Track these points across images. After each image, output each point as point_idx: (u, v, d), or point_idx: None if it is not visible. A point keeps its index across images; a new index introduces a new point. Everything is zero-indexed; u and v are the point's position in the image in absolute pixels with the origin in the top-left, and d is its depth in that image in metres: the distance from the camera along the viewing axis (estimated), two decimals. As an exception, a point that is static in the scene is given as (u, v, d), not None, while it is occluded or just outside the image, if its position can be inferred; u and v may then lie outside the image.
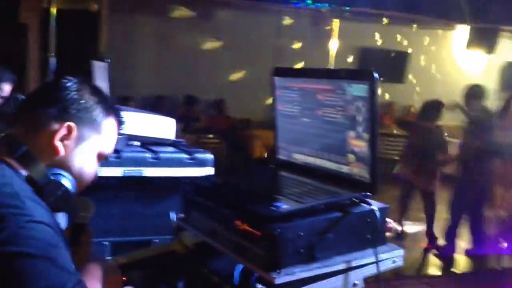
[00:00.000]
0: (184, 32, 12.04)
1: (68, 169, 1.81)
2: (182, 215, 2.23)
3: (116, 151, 2.50)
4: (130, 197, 2.63)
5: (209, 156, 2.70)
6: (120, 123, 1.97)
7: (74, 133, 1.79)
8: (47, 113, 1.79)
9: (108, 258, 2.36)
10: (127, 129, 2.63)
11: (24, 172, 1.73)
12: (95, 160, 1.89)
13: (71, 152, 1.81)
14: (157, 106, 11.23)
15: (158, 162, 2.58)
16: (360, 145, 1.90)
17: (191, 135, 11.00)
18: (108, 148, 1.93)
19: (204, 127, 11.94)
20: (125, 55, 11.30)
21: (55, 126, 1.78)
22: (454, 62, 14.32)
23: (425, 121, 7.92)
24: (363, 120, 1.86)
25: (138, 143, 2.71)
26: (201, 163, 2.67)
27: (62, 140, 1.78)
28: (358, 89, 1.86)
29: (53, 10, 9.34)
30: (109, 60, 3.85)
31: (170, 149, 2.73)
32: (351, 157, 1.95)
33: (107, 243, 2.56)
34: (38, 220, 1.55)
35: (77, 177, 1.84)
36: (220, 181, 2.30)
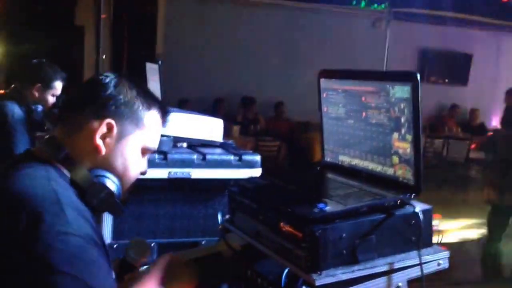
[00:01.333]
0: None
1: (111, 167, 1.78)
2: (228, 217, 2.25)
3: (163, 152, 2.52)
4: (177, 198, 2.65)
5: (257, 158, 2.71)
6: (164, 116, 1.92)
7: (115, 130, 1.76)
8: (86, 112, 1.76)
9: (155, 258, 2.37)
10: (175, 131, 2.68)
11: (68, 175, 1.72)
12: (139, 156, 1.86)
13: (113, 149, 1.78)
14: (215, 108, 11.31)
15: (205, 163, 2.60)
16: (404, 146, 1.89)
17: (250, 138, 11.06)
18: (152, 142, 1.89)
19: (263, 129, 11.96)
20: (182, 56, 11.39)
21: (95, 124, 1.75)
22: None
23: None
24: (406, 121, 1.85)
25: (185, 145, 2.74)
26: (249, 165, 2.68)
27: (103, 138, 1.76)
28: (401, 91, 1.85)
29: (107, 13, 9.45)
30: (160, 62, 3.90)
31: (218, 150, 2.74)
32: (395, 159, 1.93)
33: (154, 244, 2.58)
34: (75, 233, 1.52)
35: (122, 175, 1.81)
36: (265, 182, 2.31)
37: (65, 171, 1.73)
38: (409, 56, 13.32)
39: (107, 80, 1.81)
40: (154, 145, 1.91)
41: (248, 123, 11.66)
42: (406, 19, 12.15)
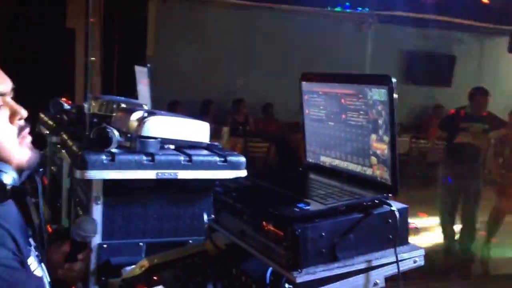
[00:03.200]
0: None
1: None
2: (213, 217, 2.30)
3: (151, 154, 2.58)
4: (165, 199, 2.70)
5: (242, 159, 2.76)
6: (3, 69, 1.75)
7: None
8: None
9: (143, 258, 2.43)
10: (162, 133, 2.73)
11: None
12: (8, 126, 1.71)
13: None
14: (204, 110, 11.35)
15: (192, 164, 2.65)
16: (381, 148, 1.95)
17: (239, 139, 11.11)
18: (2, 87, 1.71)
19: (253, 131, 12.01)
20: (173, 59, 11.44)
21: None
22: (502, 66, 14.16)
23: None
24: (383, 123, 1.91)
25: (173, 147, 2.79)
26: (234, 166, 2.73)
27: None
28: (378, 94, 1.91)
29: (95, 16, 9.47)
30: (149, 65, 3.95)
31: (204, 152, 2.79)
32: (374, 159, 2.00)
33: (142, 244, 2.63)
34: None
35: (4, 156, 1.67)
36: (249, 183, 2.37)
37: None
38: (393, 58, 13.42)
39: None
40: (2, 89, 1.73)
41: (237, 125, 11.71)
42: (390, 21, 12.25)
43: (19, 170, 1.72)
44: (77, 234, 2.17)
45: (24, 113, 1.74)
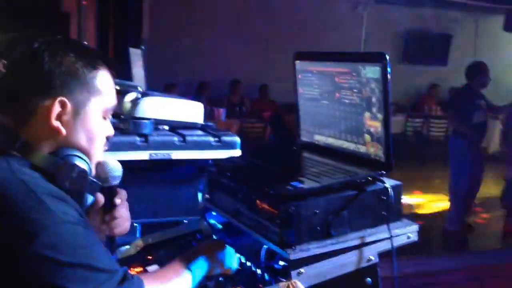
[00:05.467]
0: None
1: (77, 144, 1.66)
2: (207, 196, 2.31)
3: (144, 135, 2.57)
4: (159, 179, 2.69)
5: (236, 139, 2.76)
6: (110, 68, 1.74)
7: (69, 106, 1.62)
8: (31, 95, 1.61)
9: (138, 238, 2.43)
10: (156, 114, 2.73)
11: (29, 163, 1.59)
12: (102, 122, 1.73)
13: (74, 126, 1.64)
14: (199, 92, 11.33)
15: (185, 145, 2.64)
16: (375, 125, 1.95)
17: (235, 120, 11.11)
18: (110, 102, 1.74)
19: (249, 112, 12.01)
20: (169, 41, 11.40)
21: (46, 106, 1.60)
22: (497, 45, 14.15)
23: None
24: (377, 101, 1.92)
25: (167, 127, 2.79)
26: (228, 146, 2.73)
27: (59, 118, 1.61)
28: (371, 71, 1.92)
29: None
30: (144, 47, 3.94)
31: (198, 132, 2.79)
32: (367, 137, 2.00)
33: (137, 224, 2.63)
34: (65, 221, 1.46)
35: (89, 148, 1.69)
36: (243, 162, 2.37)
37: (26, 160, 1.60)
38: (388, 38, 13.39)
39: (39, 51, 1.62)
40: (113, 102, 1.77)
41: (233, 106, 11.72)
42: (385, 2, 12.21)
43: None
44: (103, 180, 2.08)
45: (112, 133, 1.80)
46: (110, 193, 1.97)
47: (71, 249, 1.44)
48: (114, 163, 1.95)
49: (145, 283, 1.61)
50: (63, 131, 1.62)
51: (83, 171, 1.65)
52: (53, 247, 1.42)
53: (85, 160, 1.67)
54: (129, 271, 1.58)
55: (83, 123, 1.66)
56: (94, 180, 1.77)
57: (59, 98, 1.60)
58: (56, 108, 1.60)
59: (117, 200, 1.97)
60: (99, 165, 1.86)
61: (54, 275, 1.41)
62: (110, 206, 1.96)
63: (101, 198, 1.96)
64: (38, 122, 1.61)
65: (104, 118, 1.74)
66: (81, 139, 1.67)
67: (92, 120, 1.68)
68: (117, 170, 1.95)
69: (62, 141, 1.64)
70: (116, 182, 1.97)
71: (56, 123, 1.61)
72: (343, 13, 12.64)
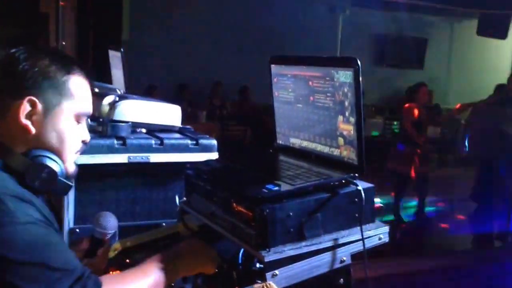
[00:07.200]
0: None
1: (47, 145, 1.70)
2: (184, 199, 2.33)
3: (122, 138, 2.59)
4: (137, 182, 2.71)
5: (213, 142, 2.79)
6: (85, 75, 1.78)
7: (39, 105, 1.66)
8: (4, 94, 1.66)
9: (116, 241, 2.44)
10: (133, 117, 2.75)
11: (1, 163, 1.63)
12: (74, 125, 1.76)
13: (43, 126, 1.68)
14: (179, 94, 11.32)
15: (163, 148, 2.67)
16: (348, 129, 1.98)
17: (216, 123, 11.10)
18: (83, 106, 1.78)
19: (229, 114, 12.01)
20: (149, 43, 11.39)
21: (16, 104, 1.65)
22: (471, 49, 14.34)
23: None
24: (349, 105, 1.95)
25: (144, 130, 2.81)
26: (206, 149, 2.75)
27: (29, 117, 1.66)
28: (344, 76, 1.95)
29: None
30: (123, 49, 3.95)
31: (176, 135, 2.81)
32: (341, 140, 2.03)
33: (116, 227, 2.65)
34: (22, 221, 1.50)
35: (61, 149, 1.72)
36: (220, 165, 2.40)
37: None
38: (365, 41, 13.49)
39: (16, 54, 1.68)
40: (87, 108, 1.81)
41: (215, 108, 11.73)
42: (362, 5, 12.28)
43: None
44: (97, 232, 2.18)
45: (88, 138, 1.84)
46: (97, 243, 2.07)
47: (25, 248, 1.48)
48: (112, 221, 2.11)
49: (105, 283, 1.64)
50: (32, 129, 1.67)
51: (52, 171, 1.68)
52: (7, 245, 1.47)
53: (56, 161, 1.70)
54: (89, 271, 1.61)
55: (53, 124, 1.71)
56: (65, 180, 1.76)
57: (28, 97, 1.65)
58: (26, 107, 1.65)
59: (99, 252, 2.09)
60: (101, 217, 2.05)
61: (6, 273, 1.46)
62: (92, 254, 2.05)
63: (86, 244, 2.11)
64: (10, 122, 1.66)
65: (78, 122, 1.77)
66: (52, 139, 1.71)
67: (63, 122, 1.72)
68: (114, 228, 2.12)
69: (33, 142, 1.68)
70: (108, 236, 2.12)
71: (25, 121, 1.66)
72: (320, 16, 12.69)
